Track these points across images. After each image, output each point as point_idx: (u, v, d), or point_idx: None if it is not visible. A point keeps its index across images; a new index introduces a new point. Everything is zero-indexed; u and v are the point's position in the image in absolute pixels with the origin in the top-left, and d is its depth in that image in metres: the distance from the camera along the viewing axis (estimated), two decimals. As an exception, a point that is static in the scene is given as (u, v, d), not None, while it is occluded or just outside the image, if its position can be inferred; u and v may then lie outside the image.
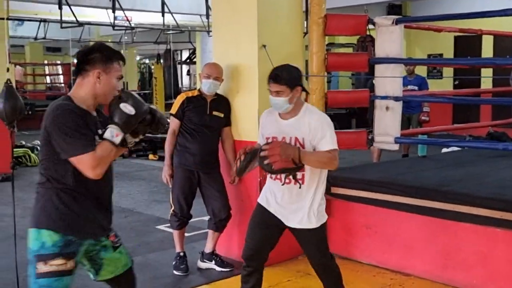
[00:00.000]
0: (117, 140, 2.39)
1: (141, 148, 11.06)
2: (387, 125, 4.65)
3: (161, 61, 15.12)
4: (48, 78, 22.04)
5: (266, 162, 2.86)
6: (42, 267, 2.39)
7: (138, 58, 27.31)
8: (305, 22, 4.92)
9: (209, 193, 4.45)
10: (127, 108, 2.40)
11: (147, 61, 29.23)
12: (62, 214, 2.44)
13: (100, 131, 2.46)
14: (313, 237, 3.20)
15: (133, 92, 2.57)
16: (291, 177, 3.06)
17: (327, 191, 4.50)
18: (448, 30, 5.41)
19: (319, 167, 3.06)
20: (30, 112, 12.21)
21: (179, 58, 21.37)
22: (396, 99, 4.60)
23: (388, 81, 4.63)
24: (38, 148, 10.36)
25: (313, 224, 3.15)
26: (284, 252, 4.14)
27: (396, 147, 4.70)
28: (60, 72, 20.75)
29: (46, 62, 21.83)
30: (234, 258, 4.65)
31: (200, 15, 11.01)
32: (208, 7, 10.29)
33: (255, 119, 4.33)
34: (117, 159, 11.47)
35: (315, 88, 4.66)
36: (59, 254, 2.41)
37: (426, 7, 12.57)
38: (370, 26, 4.79)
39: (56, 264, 2.39)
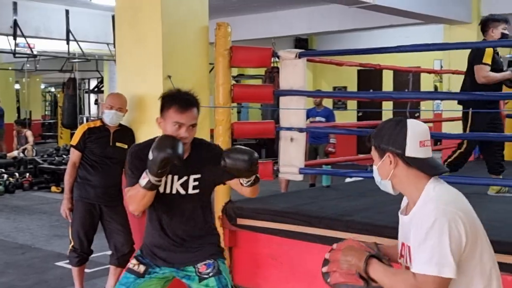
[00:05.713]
0: (142, 182, 2.52)
1: (43, 180, 10.57)
2: (292, 156, 4.73)
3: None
4: None
5: (325, 269, 2.07)
6: None
7: (43, 86, 26.38)
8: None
9: (111, 227, 4.31)
10: (151, 154, 2.49)
11: (53, 89, 28.25)
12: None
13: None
14: None
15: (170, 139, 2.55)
16: None
17: (233, 222, 4.53)
18: (349, 65, 5.64)
19: None
20: None
21: (87, 87, 20.81)
22: (300, 130, 4.70)
23: (292, 113, 4.72)
24: None
25: None
26: None
27: (300, 177, 4.79)
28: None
29: None
30: (137, 294, 4.50)
31: (108, 44, 10.81)
32: (115, 36, 10.13)
33: (159, 150, 4.25)
34: (17, 191, 10.70)
35: (221, 119, 4.67)
36: None
37: (331, 42, 13.10)
38: (276, 59, 4.89)
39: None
